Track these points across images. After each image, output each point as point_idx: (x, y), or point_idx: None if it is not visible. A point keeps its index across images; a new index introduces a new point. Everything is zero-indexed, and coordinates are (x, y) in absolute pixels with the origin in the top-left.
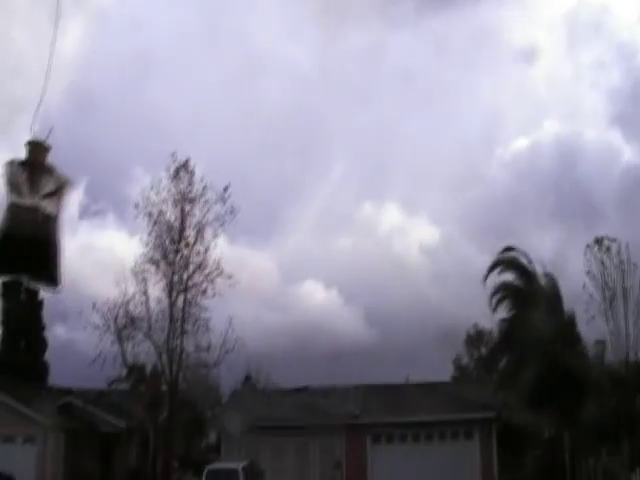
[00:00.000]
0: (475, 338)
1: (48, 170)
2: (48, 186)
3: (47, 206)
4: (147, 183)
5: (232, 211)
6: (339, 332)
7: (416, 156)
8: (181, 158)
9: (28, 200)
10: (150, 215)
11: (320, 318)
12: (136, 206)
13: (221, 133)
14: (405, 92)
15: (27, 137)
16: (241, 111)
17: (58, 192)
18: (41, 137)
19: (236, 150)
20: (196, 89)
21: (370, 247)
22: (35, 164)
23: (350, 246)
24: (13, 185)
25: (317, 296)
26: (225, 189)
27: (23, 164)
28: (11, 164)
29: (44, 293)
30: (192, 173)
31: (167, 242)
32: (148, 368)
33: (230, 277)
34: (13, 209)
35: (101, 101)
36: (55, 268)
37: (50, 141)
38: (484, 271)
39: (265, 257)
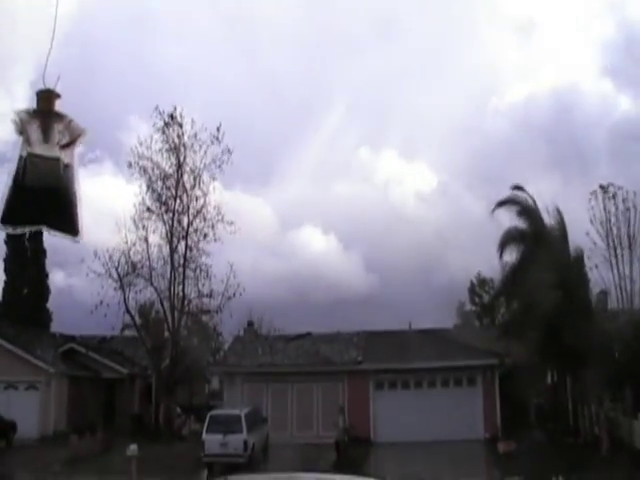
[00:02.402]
0: (478, 285)
1: (61, 119)
2: (63, 136)
3: (65, 156)
4: (141, 134)
5: (228, 150)
6: (339, 278)
7: (413, 105)
8: (168, 110)
9: (46, 151)
10: (144, 170)
11: (320, 264)
12: (130, 165)
13: (218, 82)
14: (402, 42)
15: (24, 88)
16: (238, 61)
17: (73, 142)
18: (49, 85)
19: (233, 98)
20: (194, 39)
21: (368, 194)
22: (47, 113)
23: (348, 193)
24: (27, 135)
25: (316, 242)
26: (218, 128)
27: (35, 113)
28: (23, 113)
29: (49, 241)
30: (180, 123)
31: (165, 190)
32: (151, 315)
33: (231, 223)
34: (32, 159)
35: (97, 50)
36: (76, 218)
37: (58, 89)
38: (482, 219)
39: (263, 203)
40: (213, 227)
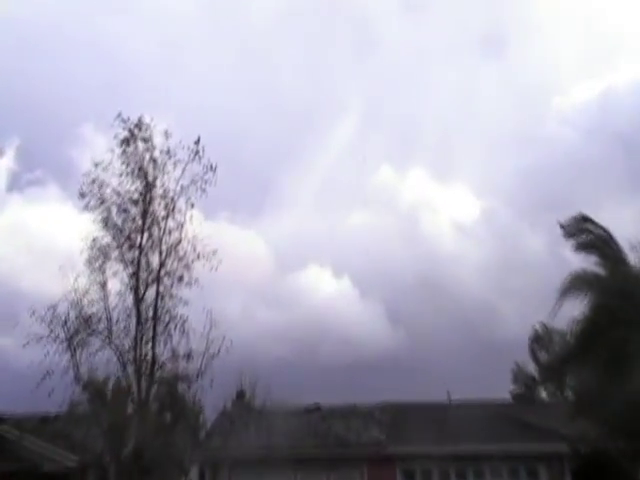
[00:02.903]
0: (541, 342)
1: None
2: None
3: None
4: (97, 150)
5: (210, 168)
6: (355, 334)
7: (448, 108)
8: (133, 118)
9: None
10: (103, 200)
11: (330, 315)
12: (82, 195)
13: (199, 81)
14: (429, 25)
15: None
16: (224, 55)
17: None
18: None
19: (219, 104)
20: (167, 23)
21: (391, 225)
22: None
23: (365, 224)
24: None
25: (324, 287)
26: (197, 141)
27: None
28: None
29: None
30: (147, 137)
31: (128, 222)
32: (109, 384)
33: (215, 260)
34: None
35: (42, 38)
36: None
37: None
38: (539, 254)
39: (256, 237)
40: (190, 267)
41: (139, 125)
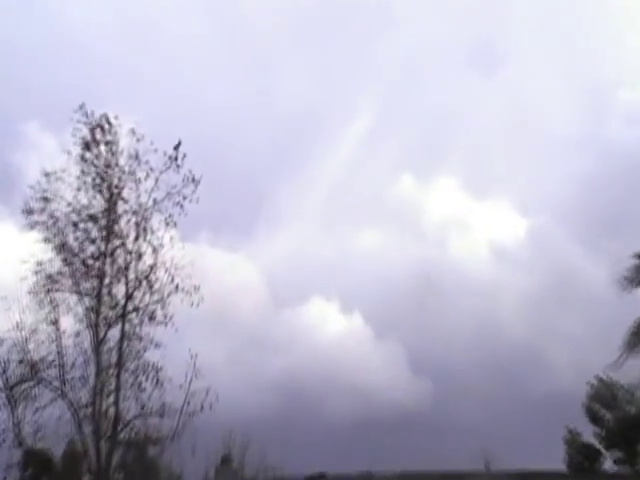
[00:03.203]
0: (600, 399)
1: None
2: None
3: None
4: (46, 153)
5: (192, 179)
6: (368, 385)
7: (483, 109)
8: (96, 113)
9: None
10: (53, 216)
11: (337, 361)
12: (28, 210)
13: (177, 75)
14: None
15: None
16: (214, 47)
17: None
18: None
19: (202, 102)
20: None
21: (413, 247)
22: None
23: (380, 246)
24: None
25: (330, 326)
26: (176, 146)
27: None
28: None
29: None
30: (115, 136)
31: (87, 244)
32: (59, 448)
33: (197, 289)
34: None
35: None
36: None
37: None
38: (598, 285)
39: (245, 263)
40: (166, 301)
41: (101, 124)
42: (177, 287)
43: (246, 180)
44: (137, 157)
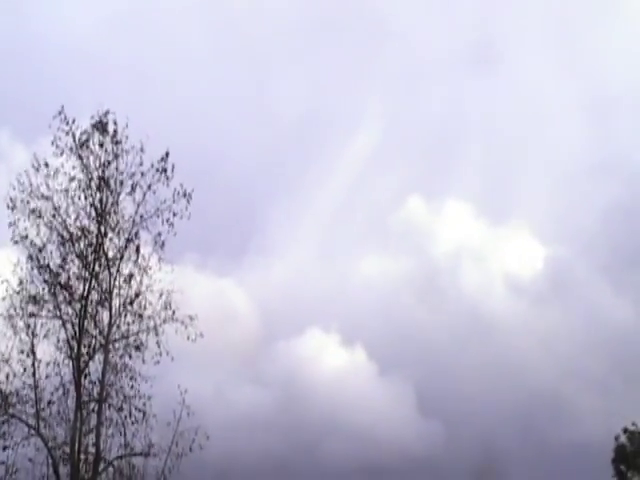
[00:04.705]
0: (628, 456)
1: None
2: None
3: None
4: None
5: (184, 194)
6: (372, 426)
7: (497, 122)
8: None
9: None
10: (37, 217)
11: (336, 400)
12: (12, 205)
13: (166, 82)
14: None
15: None
16: (203, 48)
17: None
18: None
19: (194, 113)
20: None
21: (420, 276)
22: None
23: (384, 273)
24: None
25: (329, 360)
26: (164, 157)
27: None
28: None
29: None
30: (114, 139)
31: (69, 264)
32: None
33: (192, 319)
34: None
35: None
36: None
37: None
38: (625, 323)
39: (235, 289)
40: (156, 330)
41: (102, 123)
42: (173, 314)
43: (239, 198)
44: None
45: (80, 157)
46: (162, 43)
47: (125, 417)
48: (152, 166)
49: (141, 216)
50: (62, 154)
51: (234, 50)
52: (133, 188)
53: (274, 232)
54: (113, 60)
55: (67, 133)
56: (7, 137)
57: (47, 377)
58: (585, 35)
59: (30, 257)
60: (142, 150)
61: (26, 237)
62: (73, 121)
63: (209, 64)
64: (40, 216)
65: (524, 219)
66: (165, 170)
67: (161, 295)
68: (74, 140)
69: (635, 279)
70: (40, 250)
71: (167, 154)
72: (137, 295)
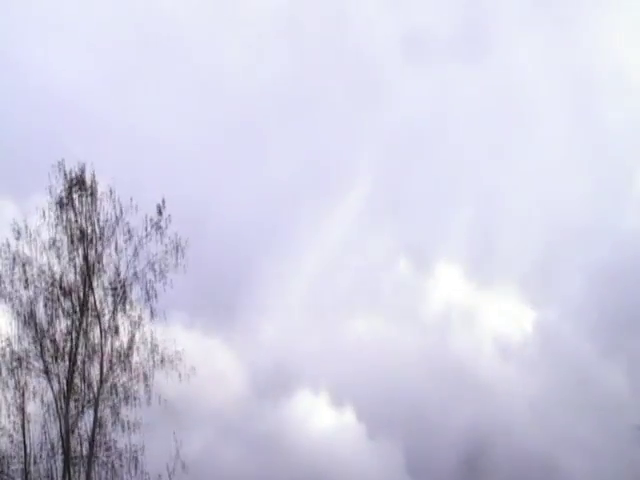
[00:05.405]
0: None
1: None
2: None
3: None
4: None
5: (176, 248)
6: None
7: (489, 188)
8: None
9: None
10: (20, 279)
11: (324, 462)
12: None
13: (157, 139)
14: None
15: None
16: (197, 109)
17: None
18: None
19: (182, 171)
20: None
21: (411, 339)
22: None
23: (374, 334)
24: None
25: (318, 422)
26: (160, 208)
27: None
28: None
29: None
30: (94, 193)
31: (56, 320)
32: None
33: (194, 370)
34: None
35: None
36: None
37: None
38: (618, 390)
39: (222, 348)
40: (145, 376)
41: (80, 179)
42: (162, 359)
43: (227, 255)
44: (116, 220)
45: (59, 215)
46: (156, 100)
47: (115, 471)
48: (146, 217)
49: (134, 270)
50: (44, 214)
51: (227, 111)
52: (125, 242)
53: (263, 291)
54: (105, 116)
55: (49, 191)
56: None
57: (35, 434)
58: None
59: (17, 313)
60: (137, 208)
61: (13, 296)
62: (71, 172)
63: (202, 123)
64: (26, 279)
65: (513, 281)
66: (159, 225)
67: (149, 342)
68: (68, 189)
69: (625, 343)
70: (31, 310)
71: (163, 203)
72: (129, 349)
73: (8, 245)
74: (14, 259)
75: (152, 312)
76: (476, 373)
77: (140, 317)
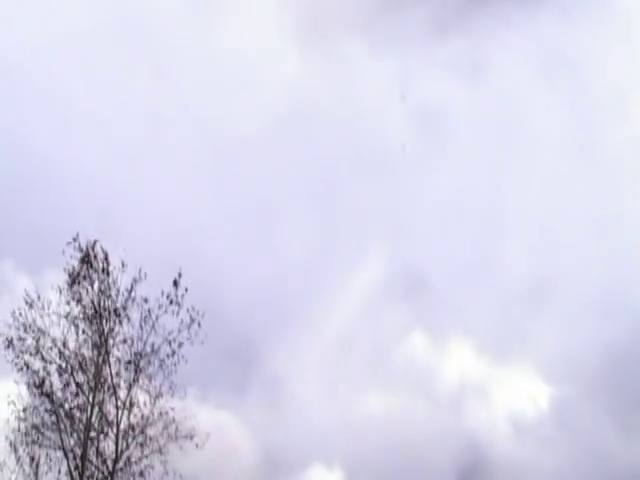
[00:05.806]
0: None
1: None
2: None
3: None
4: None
5: (191, 321)
6: None
7: (502, 263)
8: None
9: None
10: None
11: None
12: (8, 344)
13: (169, 202)
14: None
15: None
16: (210, 187)
17: None
18: None
19: (195, 247)
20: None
21: (424, 417)
22: None
23: (387, 410)
24: None
25: None
26: (175, 281)
27: None
28: None
29: None
30: (106, 267)
31: (69, 396)
32: None
33: (191, 437)
34: None
35: None
36: None
37: None
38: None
39: (233, 421)
40: (160, 450)
41: (92, 255)
42: (176, 431)
43: (241, 328)
44: (129, 294)
45: (72, 290)
46: (171, 174)
47: None
48: (162, 294)
49: (152, 346)
50: (59, 290)
51: (243, 186)
52: (140, 316)
53: (275, 366)
54: (118, 187)
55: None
56: (11, 268)
57: None
58: None
59: (33, 385)
60: (150, 281)
61: (27, 367)
62: (86, 247)
63: (217, 197)
64: (38, 350)
65: (528, 357)
66: (176, 300)
67: (163, 415)
68: (80, 264)
69: None
70: (42, 380)
71: (179, 277)
72: (145, 422)
73: (20, 314)
74: (26, 328)
75: (171, 386)
76: (491, 449)
77: (160, 392)
